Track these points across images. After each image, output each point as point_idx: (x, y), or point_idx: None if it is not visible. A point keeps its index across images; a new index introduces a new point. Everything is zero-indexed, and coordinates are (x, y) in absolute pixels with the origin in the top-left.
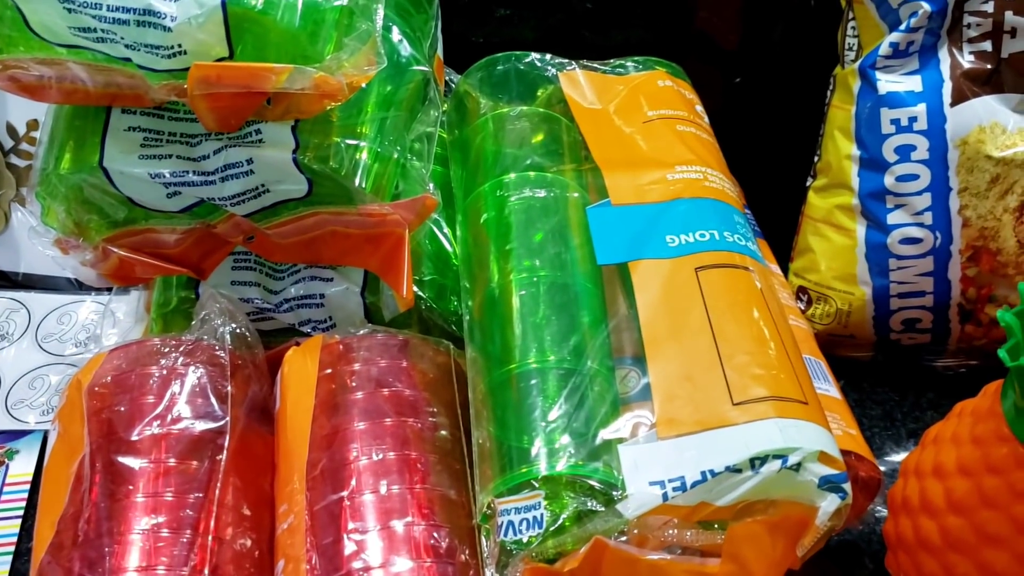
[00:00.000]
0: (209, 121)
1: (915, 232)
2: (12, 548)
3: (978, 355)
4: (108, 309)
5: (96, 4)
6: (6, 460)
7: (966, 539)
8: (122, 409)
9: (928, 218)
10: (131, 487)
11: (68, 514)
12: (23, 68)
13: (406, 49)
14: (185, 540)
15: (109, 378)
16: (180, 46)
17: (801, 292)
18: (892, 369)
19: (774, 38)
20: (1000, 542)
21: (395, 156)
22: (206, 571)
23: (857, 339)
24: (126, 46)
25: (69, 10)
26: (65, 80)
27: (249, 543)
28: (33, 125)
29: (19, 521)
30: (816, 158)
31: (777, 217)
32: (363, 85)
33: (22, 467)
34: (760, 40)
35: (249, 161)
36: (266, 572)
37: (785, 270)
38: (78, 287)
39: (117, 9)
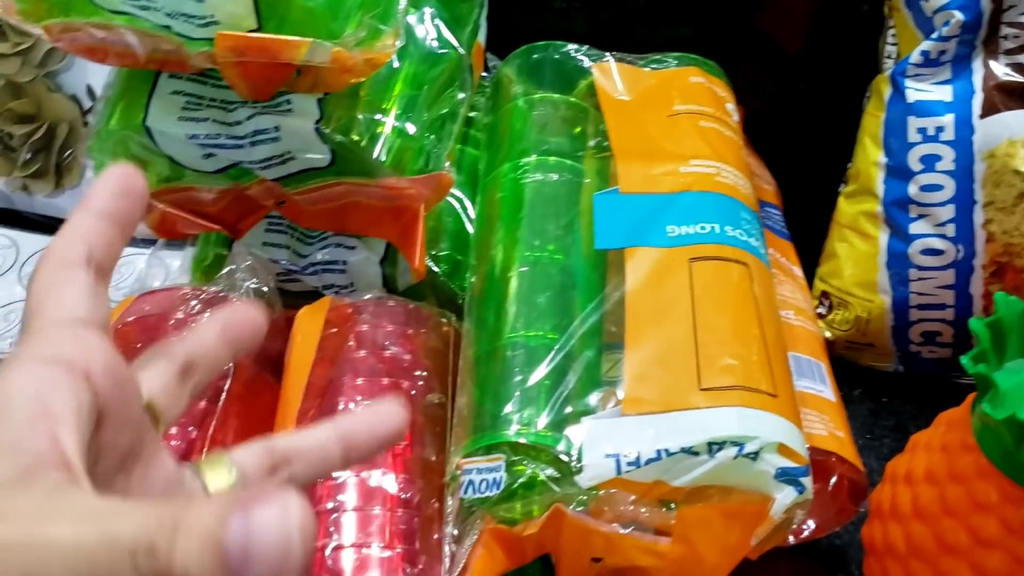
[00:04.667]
0: (241, 89)
1: (937, 243)
2: None
3: None
4: (158, 258)
5: None
6: None
7: (927, 547)
8: (139, 347)
9: (951, 230)
10: None
11: None
12: (80, 32)
13: (444, 33)
14: None
15: (132, 319)
16: (213, 16)
17: (824, 297)
18: (914, 382)
19: (832, 44)
20: (959, 552)
21: (414, 133)
22: None
23: (877, 348)
24: (166, 15)
25: None
26: (118, 44)
27: None
28: None
29: None
30: (850, 164)
31: (814, 222)
32: (384, 63)
33: None
34: (822, 46)
35: (276, 128)
36: None
37: (814, 274)
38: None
39: None
